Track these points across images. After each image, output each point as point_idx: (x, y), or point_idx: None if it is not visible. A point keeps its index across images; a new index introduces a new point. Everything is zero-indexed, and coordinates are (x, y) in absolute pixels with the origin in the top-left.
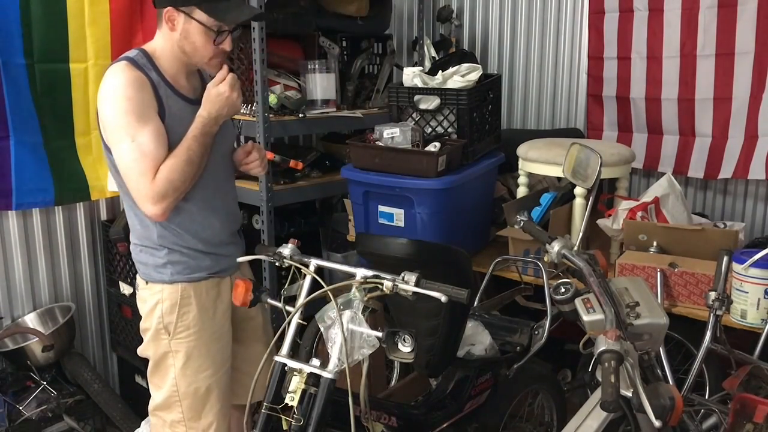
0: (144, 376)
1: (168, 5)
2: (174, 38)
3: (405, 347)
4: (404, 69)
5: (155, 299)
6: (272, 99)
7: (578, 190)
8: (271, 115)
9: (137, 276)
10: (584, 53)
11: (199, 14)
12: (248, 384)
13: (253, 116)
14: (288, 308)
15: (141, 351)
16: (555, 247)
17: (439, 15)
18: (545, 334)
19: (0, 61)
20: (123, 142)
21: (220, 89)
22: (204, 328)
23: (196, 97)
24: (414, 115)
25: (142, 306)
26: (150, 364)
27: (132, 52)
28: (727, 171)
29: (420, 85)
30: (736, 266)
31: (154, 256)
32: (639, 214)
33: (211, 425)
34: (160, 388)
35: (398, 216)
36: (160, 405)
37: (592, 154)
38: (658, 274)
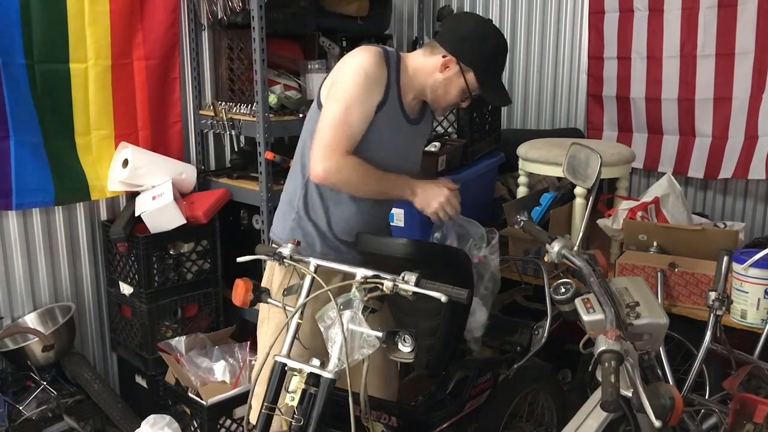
0: (144, 376)
1: (453, 55)
2: (436, 77)
3: (405, 347)
4: None
5: (270, 262)
6: (272, 99)
7: (578, 190)
8: (271, 115)
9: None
10: (584, 53)
11: (471, 78)
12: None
13: (253, 116)
14: (288, 308)
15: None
16: (555, 247)
17: (439, 15)
18: (545, 334)
19: (0, 61)
20: (338, 103)
21: (443, 190)
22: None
23: (412, 117)
24: None
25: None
26: (257, 328)
27: (390, 48)
28: (727, 171)
29: None
30: (736, 266)
31: (285, 216)
32: (639, 214)
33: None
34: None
35: (398, 216)
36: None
37: (592, 154)
38: (658, 274)
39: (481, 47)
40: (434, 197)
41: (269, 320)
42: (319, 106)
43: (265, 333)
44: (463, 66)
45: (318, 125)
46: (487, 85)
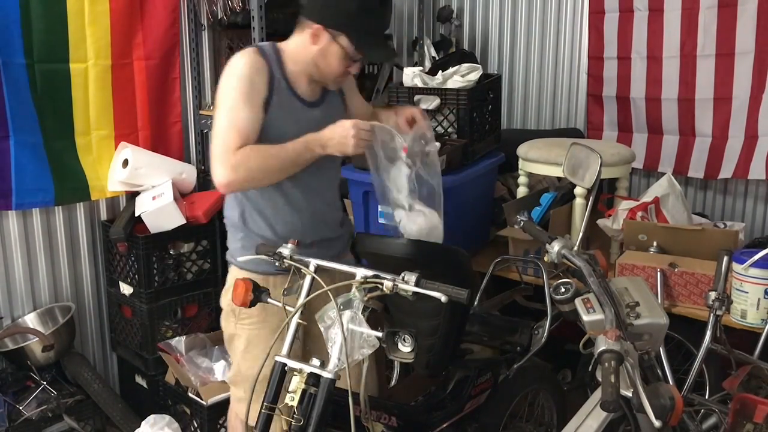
0: (144, 376)
1: (318, 23)
2: (311, 50)
3: (405, 347)
4: (404, 69)
5: (230, 281)
6: None
7: (578, 190)
8: None
9: None
10: (584, 53)
11: (344, 40)
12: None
13: None
14: (288, 308)
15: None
16: (555, 247)
17: (439, 15)
18: (545, 334)
19: (0, 61)
20: (221, 111)
21: (345, 124)
22: (266, 320)
23: (314, 100)
24: None
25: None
26: (225, 342)
27: (265, 43)
28: (727, 171)
29: (420, 85)
30: (736, 266)
31: (233, 237)
32: (639, 214)
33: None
34: (232, 365)
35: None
36: (230, 380)
37: (592, 154)
38: (658, 274)
39: (344, 6)
40: (345, 137)
41: (238, 336)
42: None
43: (237, 348)
44: (332, 31)
45: (211, 137)
46: (364, 44)
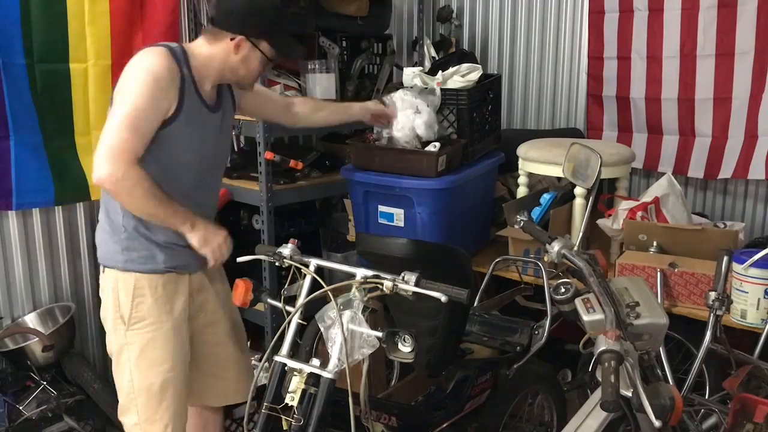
0: None
1: (240, 35)
2: (231, 59)
3: (405, 347)
4: (404, 69)
5: (111, 286)
6: None
7: (578, 190)
8: None
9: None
10: (584, 53)
11: (264, 46)
12: (218, 386)
13: None
14: (288, 308)
15: (107, 347)
16: (555, 247)
17: (439, 15)
18: (545, 334)
19: (0, 61)
20: (125, 107)
21: (219, 236)
22: (162, 320)
23: (213, 104)
24: None
25: (102, 294)
26: (113, 362)
27: (171, 44)
28: (727, 171)
29: (420, 85)
30: (736, 266)
31: (112, 241)
32: (639, 214)
33: (166, 428)
34: (120, 389)
35: (398, 216)
36: (121, 410)
37: (592, 154)
38: (658, 274)
39: (262, 15)
40: (213, 238)
41: (128, 346)
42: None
43: (127, 361)
44: (254, 40)
45: (105, 126)
46: (282, 46)
